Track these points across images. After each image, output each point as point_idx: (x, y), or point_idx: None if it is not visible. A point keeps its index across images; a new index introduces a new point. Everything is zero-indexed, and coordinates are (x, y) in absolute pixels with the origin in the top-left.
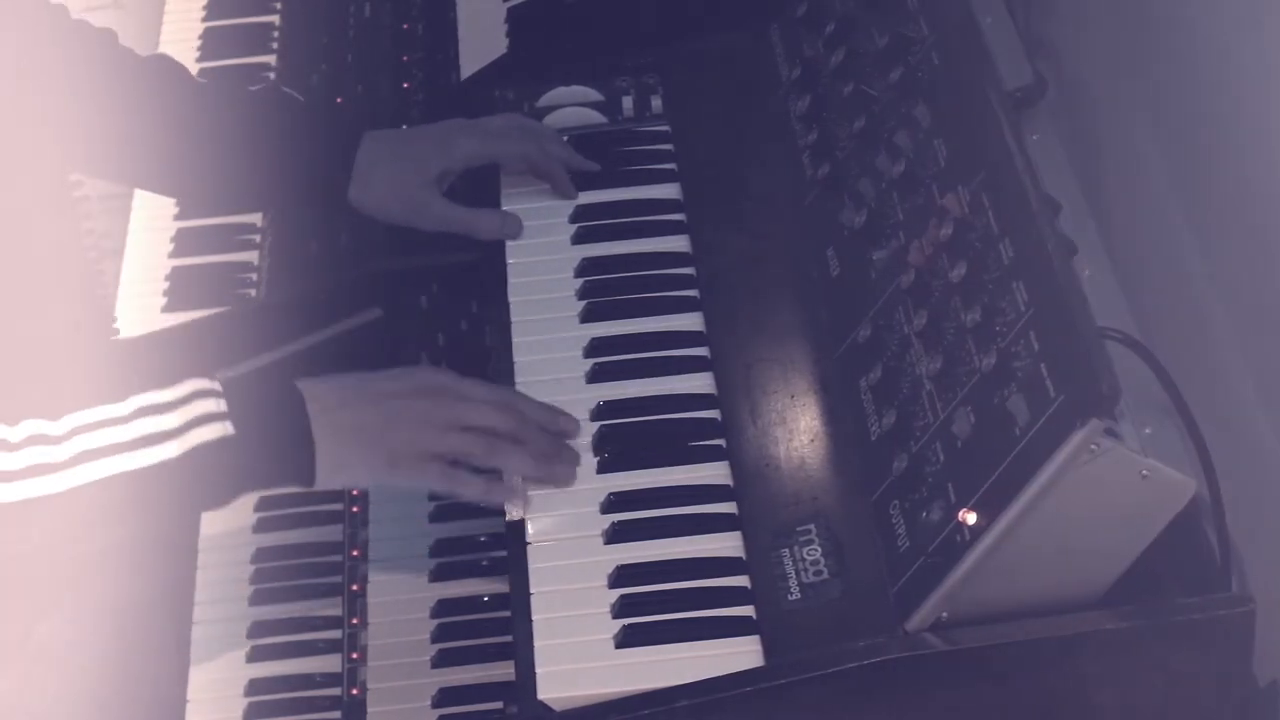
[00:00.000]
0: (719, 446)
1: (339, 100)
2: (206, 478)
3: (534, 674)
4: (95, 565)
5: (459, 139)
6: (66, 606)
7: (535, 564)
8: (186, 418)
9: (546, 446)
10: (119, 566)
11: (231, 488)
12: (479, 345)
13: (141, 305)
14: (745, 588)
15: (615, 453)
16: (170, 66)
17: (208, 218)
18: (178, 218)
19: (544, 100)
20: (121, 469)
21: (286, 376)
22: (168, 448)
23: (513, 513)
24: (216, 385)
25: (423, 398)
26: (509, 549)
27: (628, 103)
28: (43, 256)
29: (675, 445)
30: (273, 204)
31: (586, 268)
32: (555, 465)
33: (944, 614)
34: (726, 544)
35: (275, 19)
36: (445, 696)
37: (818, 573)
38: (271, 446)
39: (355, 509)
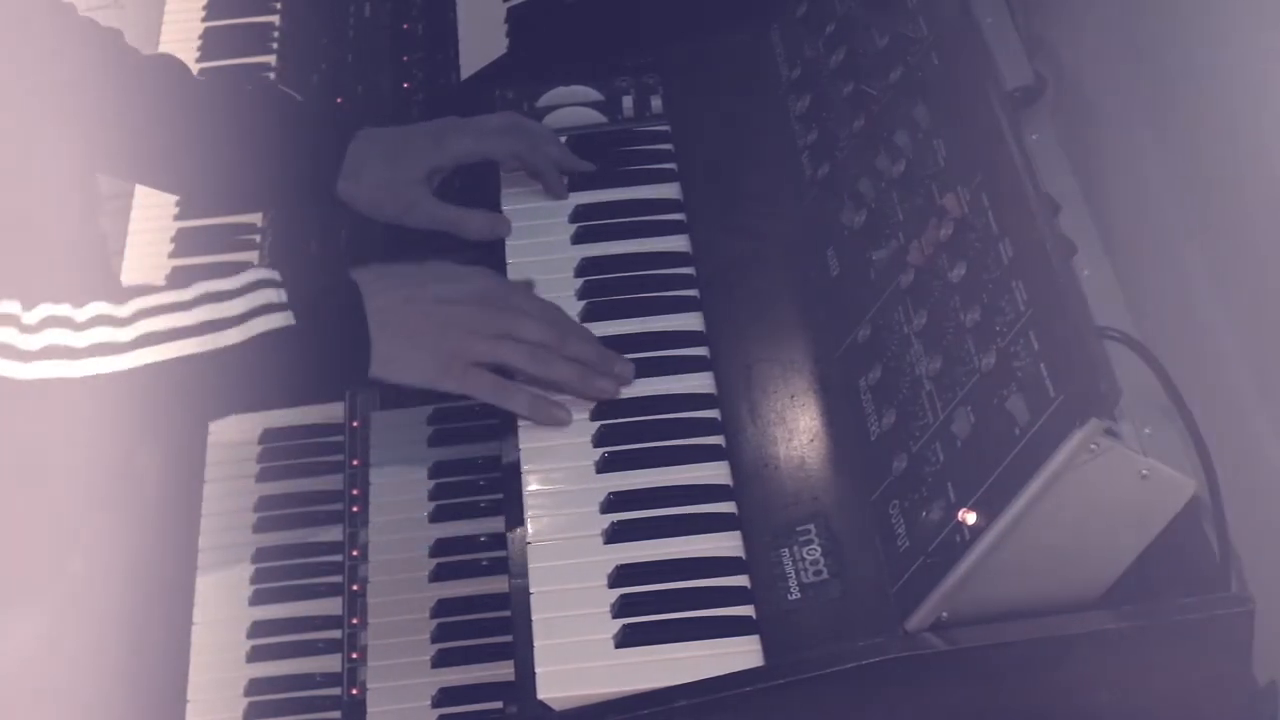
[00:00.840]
0: (719, 446)
1: (339, 100)
2: (266, 365)
3: (533, 674)
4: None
5: (451, 136)
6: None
7: (535, 564)
8: (249, 305)
9: (592, 359)
10: (119, 566)
11: (291, 377)
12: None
13: None
14: (745, 587)
15: (615, 452)
16: (173, 65)
17: (207, 218)
18: (178, 218)
19: (544, 100)
20: (184, 352)
21: (345, 268)
22: (230, 334)
23: (521, 435)
24: (277, 275)
25: (476, 304)
26: (508, 545)
27: (628, 103)
28: (58, 251)
29: (675, 445)
30: (264, 198)
31: (586, 267)
32: (600, 380)
33: (944, 614)
34: (726, 544)
35: (275, 19)
36: (445, 696)
37: (817, 573)
38: (329, 340)
39: (355, 509)
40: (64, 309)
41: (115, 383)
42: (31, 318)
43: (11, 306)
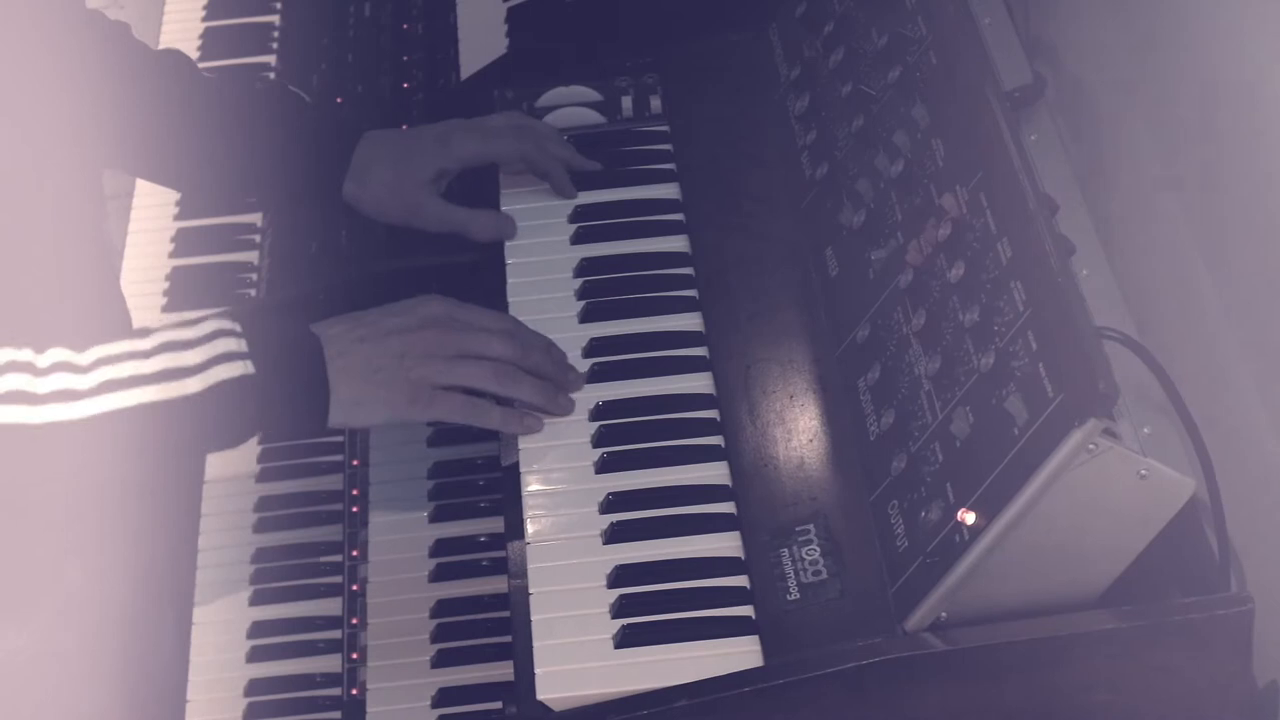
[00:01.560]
0: (718, 446)
1: (339, 100)
2: (225, 414)
3: (533, 674)
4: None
5: (457, 138)
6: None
7: (535, 564)
8: (208, 355)
9: (551, 373)
10: (118, 565)
11: (248, 426)
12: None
13: (141, 305)
14: (744, 588)
15: (615, 453)
16: (181, 61)
17: (208, 217)
18: (178, 218)
19: (544, 100)
20: (143, 400)
21: (302, 319)
22: (189, 383)
23: (520, 437)
24: (237, 326)
25: (429, 329)
26: (508, 545)
27: (627, 103)
28: (65, 243)
29: (674, 445)
30: (269, 198)
31: (586, 268)
32: (560, 397)
33: (943, 614)
34: (725, 544)
35: (275, 19)
36: (445, 696)
37: (816, 573)
38: (290, 388)
39: (355, 509)
40: (25, 354)
41: (75, 430)
42: None
43: None
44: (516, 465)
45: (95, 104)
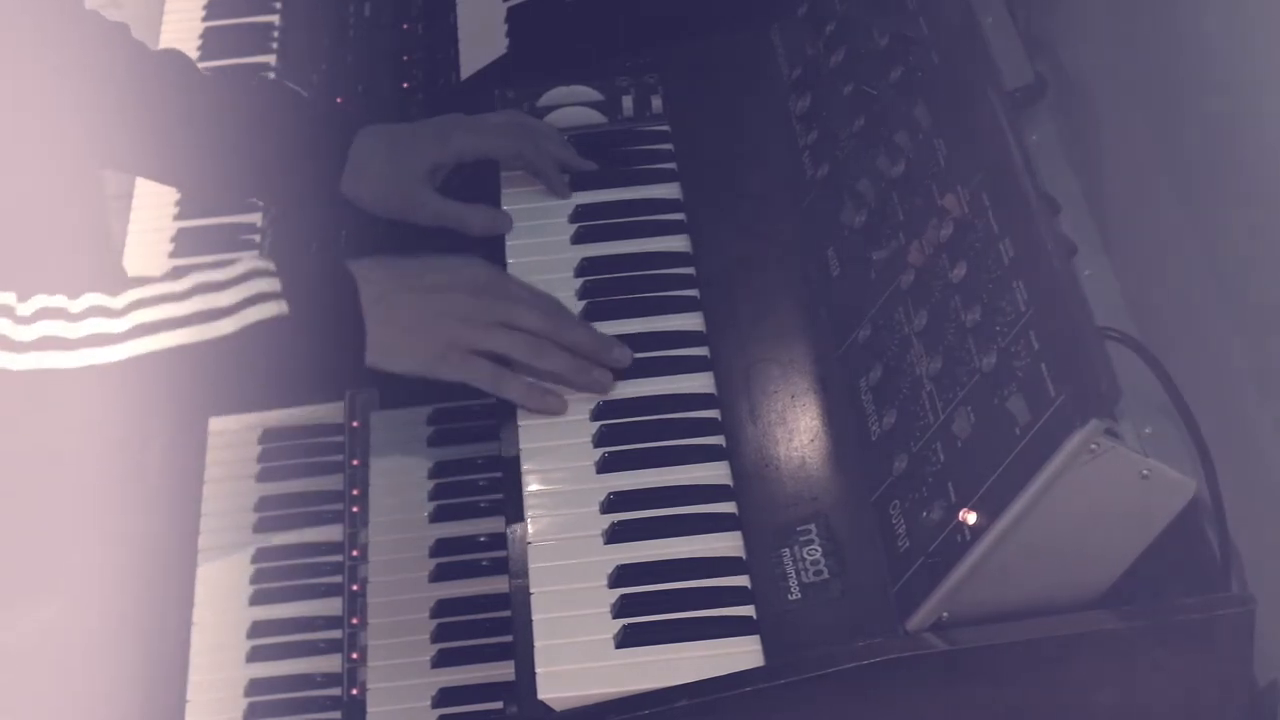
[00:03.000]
0: (719, 446)
1: (339, 100)
2: (259, 355)
3: (534, 674)
4: (97, 560)
5: (454, 134)
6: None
7: (535, 564)
8: (242, 295)
9: (589, 350)
10: (118, 565)
11: (285, 366)
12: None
13: None
14: (745, 588)
15: (615, 453)
16: (179, 60)
17: (207, 217)
18: (178, 218)
19: (544, 100)
20: (177, 342)
21: (340, 258)
22: (223, 324)
23: (521, 436)
24: (271, 265)
25: (471, 292)
26: (508, 545)
27: (628, 102)
28: (58, 241)
29: (675, 445)
30: (268, 195)
31: (586, 267)
32: (594, 372)
33: (944, 614)
34: (726, 544)
35: (275, 19)
36: (445, 696)
37: (818, 573)
38: (325, 328)
39: (355, 509)
40: (59, 300)
41: (109, 373)
42: (26, 309)
43: (6, 298)
44: (517, 463)
45: (94, 104)
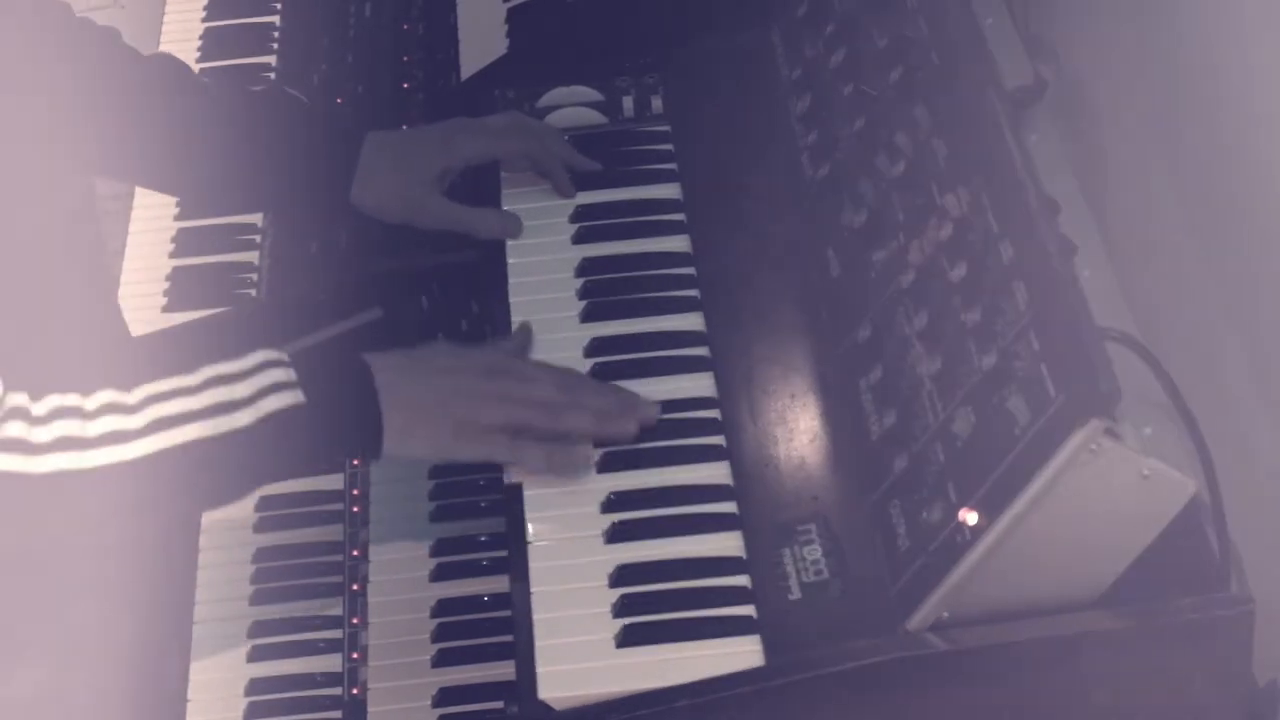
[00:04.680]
0: (719, 446)
1: (339, 100)
2: (279, 446)
3: (534, 673)
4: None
5: (460, 138)
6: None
7: (535, 564)
8: (257, 386)
9: (612, 409)
10: (119, 566)
11: (303, 456)
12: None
13: (142, 305)
14: (745, 587)
15: (615, 452)
16: (173, 66)
17: (208, 218)
18: (178, 218)
19: (544, 100)
20: (196, 436)
21: (350, 349)
22: (240, 416)
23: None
24: (284, 356)
25: (483, 372)
26: (509, 545)
27: (628, 103)
28: (54, 252)
29: (675, 445)
30: (274, 204)
31: (587, 267)
32: (618, 421)
33: (945, 614)
34: (727, 544)
35: (275, 19)
36: (445, 696)
37: (818, 572)
38: (341, 416)
39: (355, 509)
40: (72, 399)
41: (128, 471)
42: (40, 409)
43: (18, 399)
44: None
45: (84, 112)
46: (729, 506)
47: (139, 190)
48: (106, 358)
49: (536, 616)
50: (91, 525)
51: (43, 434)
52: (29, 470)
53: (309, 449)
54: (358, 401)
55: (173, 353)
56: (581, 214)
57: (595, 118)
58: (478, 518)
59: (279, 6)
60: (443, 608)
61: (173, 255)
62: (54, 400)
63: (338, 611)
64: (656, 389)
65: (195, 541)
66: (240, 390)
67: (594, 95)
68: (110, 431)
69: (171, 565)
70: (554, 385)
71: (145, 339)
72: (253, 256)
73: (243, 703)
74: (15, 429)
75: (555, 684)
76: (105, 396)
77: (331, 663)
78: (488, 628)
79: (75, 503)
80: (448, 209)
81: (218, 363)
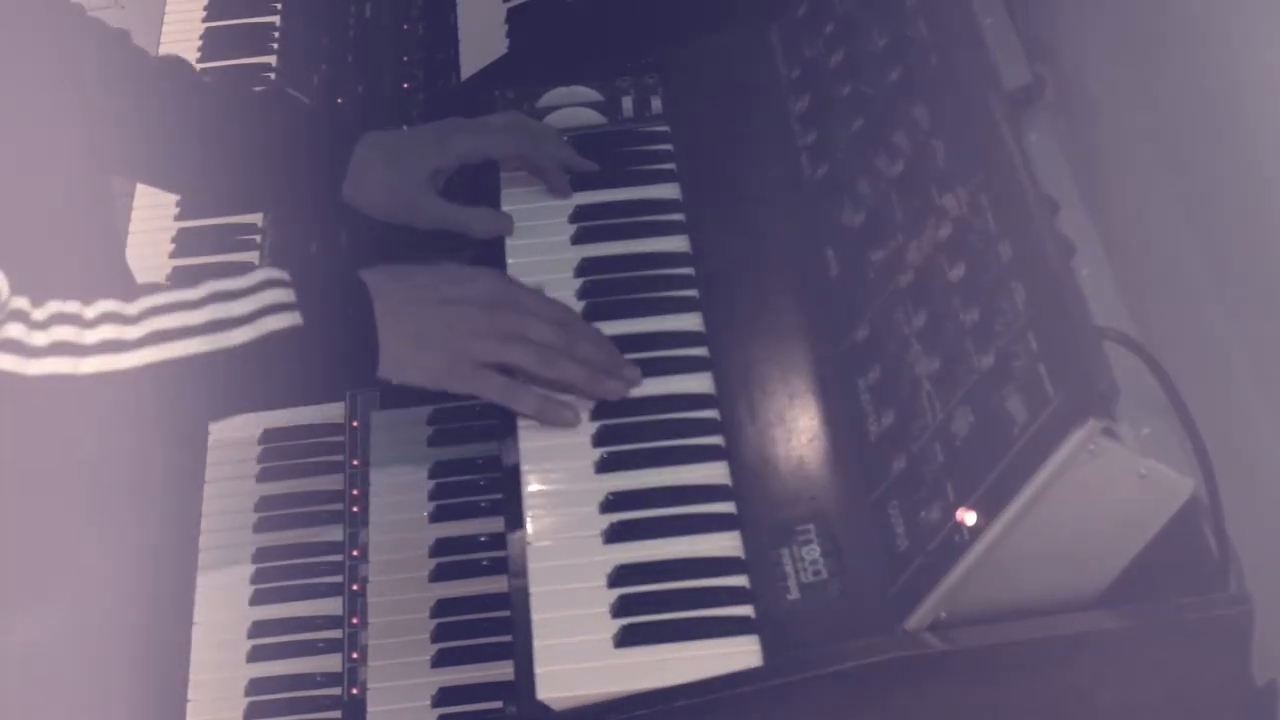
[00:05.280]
0: (718, 446)
1: (339, 100)
2: (274, 365)
3: (533, 674)
4: (100, 562)
5: (455, 137)
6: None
7: (535, 564)
8: (257, 305)
9: (601, 364)
10: (120, 567)
11: (297, 377)
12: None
13: None
14: (744, 588)
15: (615, 452)
16: (180, 67)
17: (208, 218)
18: (178, 218)
19: (544, 100)
20: (191, 351)
21: (353, 269)
22: (237, 333)
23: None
24: (286, 275)
25: (483, 305)
26: (508, 545)
27: (628, 103)
28: (69, 248)
29: (675, 445)
30: (269, 201)
31: (586, 268)
32: (608, 381)
33: (943, 613)
34: (725, 544)
35: (275, 19)
36: (445, 696)
37: (817, 572)
38: (338, 339)
39: (355, 509)
40: (73, 305)
41: (121, 380)
42: (40, 314)
43: (20, 302)
44: (517, 464)
45: (94, 110)
46: (728, 506)
47: (139, 190)
48: (111, 276)
49: (535, 616)
50: (84, 431)
51: (40, 338)
52: (23, 371)
53: (303, 369)
54: (356, 327)
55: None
56: (580, 214)
57: (595, 118)
58: (478, 518)
59: (279, 6)
60: (442, 608)
61: (173, 255)
62: (54, 306)
63: (337, 612)
64: (656, 389)
65: (195, 542)
66: (240, 307)
67: (594, 95)
68: (107, 340)
69: (171, 565)
70: (554, 324)
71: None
72: (253, 256)
73: (243, 703)
74: (15, 330)
75: (554, 684)
76: (106, 306)
77: (331, 663)
78: (487, 628)
79: (67, 408)
80: (441, 208)
81: (221, 278)
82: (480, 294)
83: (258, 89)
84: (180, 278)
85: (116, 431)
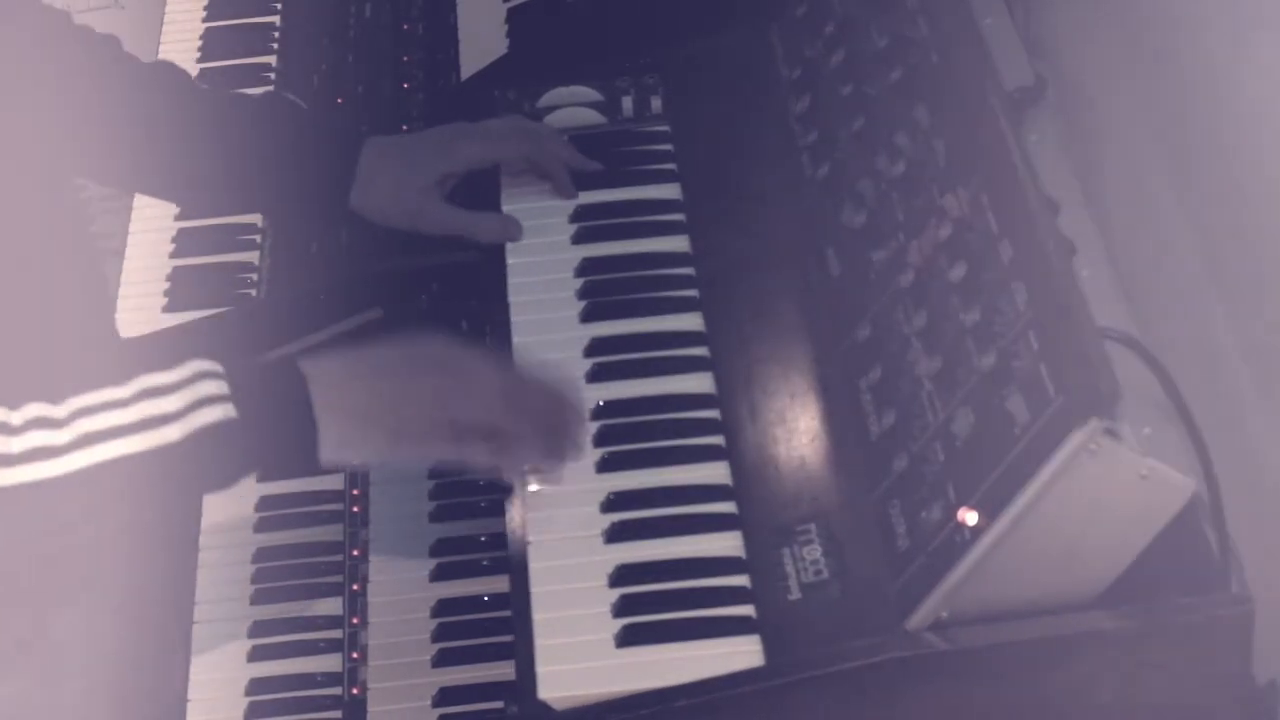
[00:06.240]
0: (719, 446)
1: (339, 101)
2: (209, 460)
3: (534, 673)
4: (101, 562)
5: (460, 143)
6: (78, 605)
7: (535, 563)
8: (189, 400)
9: (554, 428)
10: (120, 566)
11: (234, 470)
12: (479, 345)
13: (142, 305)
14: (745, 587)
15: (615, 452)
16: (173, 73)
17: (208, 218)
18: (178, 218)
19: (544, 100)
20: (123, 452)
21: (288, 357)
22: (169, 430)
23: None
24: (219, 367)
25: (426, 380)
26: (509, 545)
27: (628, 103)
28: (46, 257)
29: (675, 445)
30: (275, 211)
31: (586, 268)
32: (560, 457)
33: (944, 613)
34: (726, 543)
35: (275, 19)
36: (445, 696)
37: (818, 572)
38: (274, 429)
39: (355, 509)
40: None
41: (54, 488)
42: None
43: None
44: None
45: (82, 120)
46: (728, 506)
47: (139, 195)
48: (86, 359)
49: (536, 616)
50: (28, 539)
51: None
52: None
53: (241, 461)
54: (292, 414)
55: (165, 354)
56: (581, 214)
57: (595, 118)
58: (478, 518)
59: (279, 6)
60: (443, 608)
61: (173, 255)
62: None
63: (338, 611)
64: (656, 389)
65: (195, 541)
66: (171, 403)
67: (594, 95)
68: (36, 448)
69: (171, 565)
70: (499, 405)
71: (139, 340)
72: (253, 256)
73: (243, 703)
74: None
75: (555, 684)
76: (33, 410)
77: (331, 663)
78: (487, 628)
79: (4, 518)
80: (448, 214)
81: (152, 373)
82: (423, 367)
83: (254, 94)
84: (180, 278)
85: (51, 537)
